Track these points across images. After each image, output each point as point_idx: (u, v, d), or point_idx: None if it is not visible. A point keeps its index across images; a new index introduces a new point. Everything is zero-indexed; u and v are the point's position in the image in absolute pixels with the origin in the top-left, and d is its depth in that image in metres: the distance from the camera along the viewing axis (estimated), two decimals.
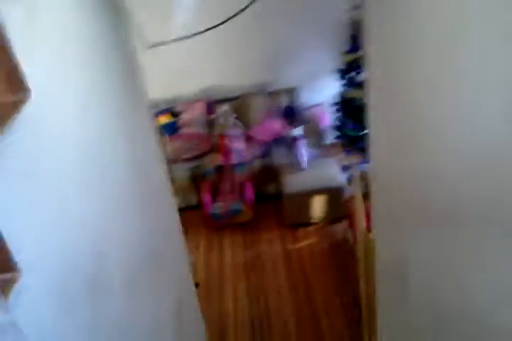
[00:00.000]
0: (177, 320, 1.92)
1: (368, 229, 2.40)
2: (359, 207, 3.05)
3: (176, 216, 2.47)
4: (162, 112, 4.67)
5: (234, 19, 4.51)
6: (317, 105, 3.95)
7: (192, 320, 2.34)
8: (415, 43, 1.35)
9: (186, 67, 4.73)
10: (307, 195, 3.76)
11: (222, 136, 4.32)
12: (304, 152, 3.98)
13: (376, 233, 2.17)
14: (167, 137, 4.65)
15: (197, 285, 2.25)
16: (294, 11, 4.45)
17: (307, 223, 3.95)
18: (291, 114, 4.04)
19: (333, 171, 3.84)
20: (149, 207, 1.90)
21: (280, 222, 4.07)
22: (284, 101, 4.40)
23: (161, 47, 4.61)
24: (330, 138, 4.24)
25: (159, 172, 2.26)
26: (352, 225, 3.53)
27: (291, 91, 4.56)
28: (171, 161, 4.60)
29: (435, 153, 1.33)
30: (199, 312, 2.50)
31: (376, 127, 1.92)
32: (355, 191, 3.61)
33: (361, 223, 2.63)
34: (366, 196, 3.42)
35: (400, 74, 1.54)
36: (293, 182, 3.83)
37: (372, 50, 1.78)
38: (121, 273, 1.37)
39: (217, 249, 3.89)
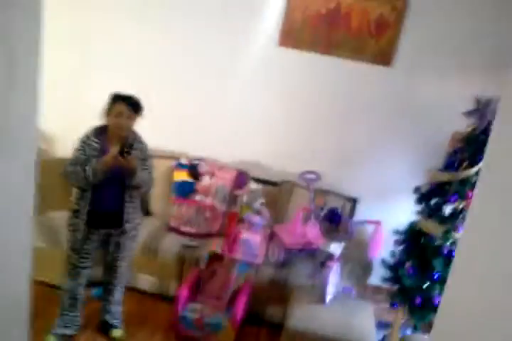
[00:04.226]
0: None
1: None
2: None
3: None
4: (181, 167, 3.72)
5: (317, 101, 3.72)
6: (375, 223, 2.91)
7: None
8: None
9: (236, 128, 3.89)
10: None
11: (236, 218, 3.28)
12: (334, 280, 2.87)
13: None
14: (174, 197, 3.66)
15: None
16: (389, 115, 3.65)
17: None
18: (335, 222, 3.00)
19: (363, 322, 2.68)
20: None
21: None
22: (330, 204, 3.38)
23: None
24: (375, 275, 3.12)
25: None
26: None
27: (345, 199, 3.58)
28: (166, 228, 3.57)
29: None
30: None
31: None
32: None
33: None
34: None
35: None
36: (302, 317, 2.68)
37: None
38: None
39: None
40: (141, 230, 2.85)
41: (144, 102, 2.54)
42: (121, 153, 2.41)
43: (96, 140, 2.53)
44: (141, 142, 2.63)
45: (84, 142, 2.53)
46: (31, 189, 1.45)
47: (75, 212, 2.59)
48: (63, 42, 3.84)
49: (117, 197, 2.58)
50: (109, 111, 2.51)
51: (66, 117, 3.97)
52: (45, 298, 3.07)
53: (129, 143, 2.47)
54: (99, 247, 2.70)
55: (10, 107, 1.24)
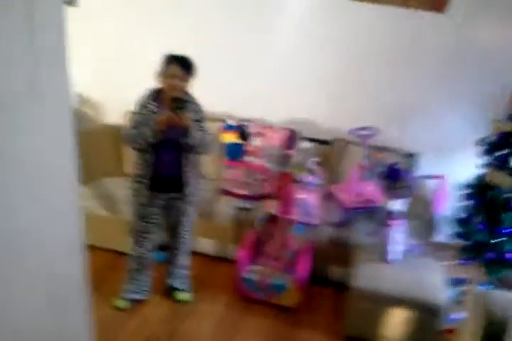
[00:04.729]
0: None
1: None
2: None
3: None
4: (230, 128, 3.66)
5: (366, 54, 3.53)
6: (438, 177, 2.80)
7: None
8: None
9: (283, 86, 3.76)
10: (384, 302, 2.53)
11: (290, 179, 3.22)
12: (399, 238, 2.81)
13: None
14: (225, 160, 3.62)
15: None
16: (445, 65, 3.43)
17: None
18: (395, 179, 2.90)
19: (433, 279, 2.62)
20: None
21: (334, 325, 2.82)
22: (387, 160, 3.27)
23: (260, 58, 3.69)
24: (443, 232, 3.03)
25: None
26: None
27: (402, 155, 3.45)
28: (220, 192, 3.55)
29: None
30: None
31: None
32: (466, 323, 2.38)
33: None
34: (488, 337, 2.21)
35: None
36: (368, 276, 2.64)
37: None
38: None
39: (230, 332, 2.72)
40: (200, 195, 2.83)
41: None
42: (174, 110, 2.38)
43: (152, 102, 2.51)
44: (195, 103, 2.57)
45: (142, 105, 2.53)
46: (71, 146, 1.42)
47: (137, 177, 2.59)
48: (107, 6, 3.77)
49: (176, 161, 2.56)
50: (163, 72, 2.47)
51: (114, 84, 3.94)
52: (113, 265, 3.15)
53: (181, 100, 2.42)
54: (162, 212, 2.70)
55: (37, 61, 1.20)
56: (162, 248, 3.05)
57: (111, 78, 3.96)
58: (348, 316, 2.65)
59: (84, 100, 4.12)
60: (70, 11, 3.86)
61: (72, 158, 1.45)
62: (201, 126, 2.56)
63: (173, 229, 2.79)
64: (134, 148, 2.59)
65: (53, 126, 1.33)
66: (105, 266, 3.15)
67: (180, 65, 2.43)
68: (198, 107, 2.58)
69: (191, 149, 2.53)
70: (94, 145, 3.73)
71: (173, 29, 3.76)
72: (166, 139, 2.47)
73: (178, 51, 2.47)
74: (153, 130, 2.41)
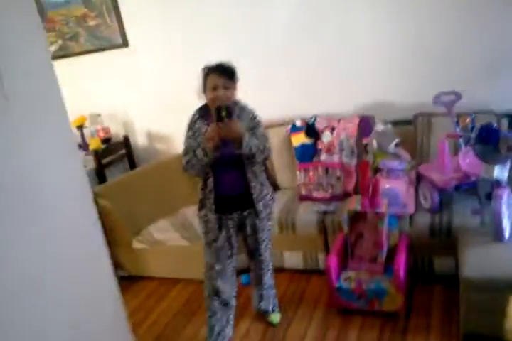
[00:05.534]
0: None
1: None
2: None
3: None
4: (297, 129, 3.35)
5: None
6: None
7: None
8: None
9: (344, 71, 3.40)
10: (503, 289, 2.00)
11: (368, 167, 2.80)
12: (508, 210, 2.24)
13: None
14: (298, 163, 3.30)
15: None
16: None
17: (498, 339, 2.14)
18: (493, 141, 2.34)
19: None
20: None
21: (449, 325, 2.32)
22: (481, 122, 2.72)
23: None
24: None
25: None
26: None
27: (497, 116, 2.87)
28: (298, 198, 3.23)
29: None
30: None
31: None
32: None
33: None
34: None
35: None
36: (481, 262, 2.11)
37: None
38: None
39: None
40: (274, 206, 2.52)
41: (243, 72, 2.24)
42: (220, 120, 2.07)
43: (201, 122, 2.26)
44: (246, 110, 2.29)
45: (189, 127, 2.29)
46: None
47: (202, 202, 2.37)
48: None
49: (240, 177, 2.29)
50: (204, 86, 2.22)
51: (177, 115, 3.87)
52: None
53: (227, 108, 2.09)
54: (236, 233, 2.43)
55: None
56: (244, 271, 2.78)
57: (174, 111, 3.91)
58: (462, 312, 2.14)
59: (153, 136, 4.13)
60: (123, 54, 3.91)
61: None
62: (256, 133, 2.25)
63: (252, 249, 2.51)
64: (193, 175, 2.37)
65: None
66: (195, 298, 2.97)
67: (219, 73, 2.18)
68: (250, 114, 2.30)
69: (250, 160, 2.24)
70: (168, 177, 3.66)
71: (221, 42, 3.60)
72: (223, 156, 2.19)
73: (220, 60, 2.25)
74: (204, 148, 2.15)
